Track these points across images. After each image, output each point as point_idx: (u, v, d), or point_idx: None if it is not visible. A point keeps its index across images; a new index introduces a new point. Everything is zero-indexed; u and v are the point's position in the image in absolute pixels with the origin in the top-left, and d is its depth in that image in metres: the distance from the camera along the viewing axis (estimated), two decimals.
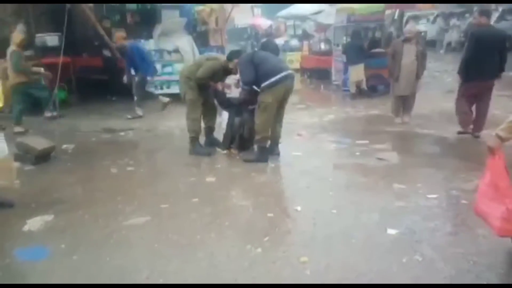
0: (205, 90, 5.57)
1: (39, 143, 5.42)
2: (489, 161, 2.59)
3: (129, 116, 7.75)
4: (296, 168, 4.94)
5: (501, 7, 15.79)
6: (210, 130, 5.89)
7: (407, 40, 6.87)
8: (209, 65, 5.43)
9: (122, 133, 7.00)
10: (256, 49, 6.67)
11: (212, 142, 5.86)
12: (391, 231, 3.20)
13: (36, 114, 7.55)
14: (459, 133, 6.12)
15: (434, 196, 3.86)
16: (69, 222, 3.61)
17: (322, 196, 4.03)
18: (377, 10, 9.95)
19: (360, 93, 9.79)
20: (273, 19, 25.75)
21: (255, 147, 5.25)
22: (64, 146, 6.11)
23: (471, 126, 6.01)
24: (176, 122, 7.29)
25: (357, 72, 9.48)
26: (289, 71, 5.11)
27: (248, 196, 4.10)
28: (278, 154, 5.34)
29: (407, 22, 15.08)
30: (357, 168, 4.87)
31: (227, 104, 5.74)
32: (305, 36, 17.06)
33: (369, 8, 9.57)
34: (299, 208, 3.69)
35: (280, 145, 5.45)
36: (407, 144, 6.09)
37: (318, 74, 13.58)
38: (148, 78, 7.88)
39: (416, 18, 19.05)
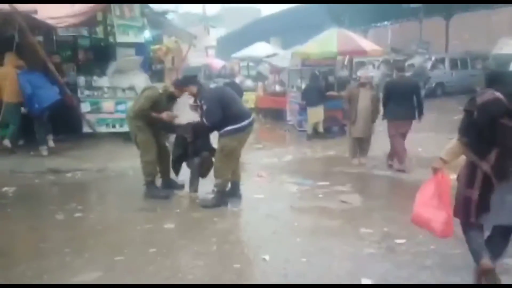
0: (156, 128, 5.28)
1: None
2: (434, 177, 3.05)
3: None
4: (260, 211, 4.75)
5: (434, 56, 17.16)
6: (165, 171, 5.55)
7: (362, 85, 7.10)
8: (146, 94, 5.16)
9: (69, 174, 6.48)
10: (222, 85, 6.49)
11: (169, 184, 5.55)
12: (365, 281, 3.05)
13: None
14: (398, 170, 6.50)
15: (402, 241, 3.80)
16: (8, 279, 3.15)
17: (290, 243, 3.85)
18: (330, 56, 10.32)
19: (316, 134, 9.92)
20: (227, 59, 26.24)
21: (214, 190, 4.94)
22: (4, 189, 5.55)
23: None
24: (129, 162, 6.87)
25: (316, 114, 9.64)
26: (253, 117, 5.11)
27: (211, 244, 3.82)
28: (240, 196, 5.13)
29: (357, 67, 15.93)
30: (321, 211, 4.76)
31: (178, 137, 5.44)
32: (260, 77, 17.39)
33: (322, 53, 9.90)
34: (267, 257, 3.47)
35: (242, 188, 5.25)
36: (367, 186, 6.12)
37: (273, 114, 13.77)
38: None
39: (363, 64, 20.12)
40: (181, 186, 5.53)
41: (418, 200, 3.12)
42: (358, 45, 9.80)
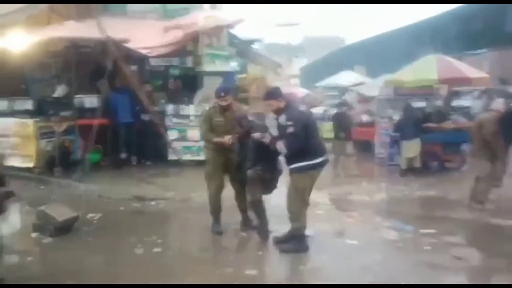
0: (229, 160, 4.75)
1: (61, 212, 4.86)
2: None
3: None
4: (355, 262, 4.09)
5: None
6: (241, 208, 4.97)
7: None
8: (203, 115, 4.87)
9: (153, 203, 6.38)
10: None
11: (245, 222, 5.01)
12: None
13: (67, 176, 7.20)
14: None
15: None
16: None
17: None
18: (428, 85, 9.39)
19: (411, 170, 8.95)
20: (311, 89, 25.93)
21: (292, 235, 4.35)
22: (90, 215, 5.53)
23: None
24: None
25: (412, 148, 8.69)
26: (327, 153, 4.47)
27: None
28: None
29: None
30: (432, 269, 3.96)
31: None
32: (345, 106, 16.68)
33: (420, 81, 9.02)
34: None
35: (331, 228, 4.66)
36: (483, 238, 5.11)
37: (360, 146, 12.96)
38: None
39: (458, 94, 18.55)
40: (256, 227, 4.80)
41: None
42: (462, 73, 8.78)
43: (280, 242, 4.41)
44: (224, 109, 4.73)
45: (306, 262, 4.12)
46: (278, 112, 4.23)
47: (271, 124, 4.50)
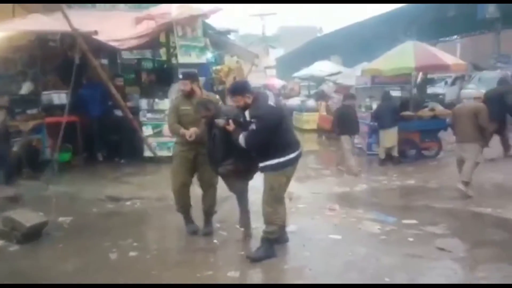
0: (199, 156, 4.39)
1: (29, 217, 4.57)
2: None
3: None
4: (339, 258, 3.98)
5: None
6: (204, 211, 4.71)
7: None
8: (170, 105, 4.68)
9: (128, 203, 6.12)
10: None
11: (205, 225, 4.75)
12: None
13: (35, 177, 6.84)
14: None
15: None
16: None
17: None
18: (405, 72, 9.37)
19: (390, 159, 8.94)
20: (287, 79, 25.82)
21: (264, 239, 3.99)
22: (60, 219, 5.24)
23: None
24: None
25: (390, 137, 8.67)
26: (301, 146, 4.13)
27: None
28: (287, 240, 4.29)
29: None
30: (418, 264, 3.88)
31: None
32: (322, 96, 16.62)
33: (397, 69, 8.97)
34: None
35: (313, 223, 4.53)
36: (465, 227, 5.08)
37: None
38: None
39: (432, 81, 18.78)
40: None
41: None
42: (439, 59, 8.77)
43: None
44: (189, 95, 4.39)
45: (289, 260, 3.98)
46: (245, 108, 3.90)
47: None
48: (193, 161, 4.45)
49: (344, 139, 8.19)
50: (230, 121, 3.88)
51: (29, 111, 7.26)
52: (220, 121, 3.93)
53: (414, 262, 3.93)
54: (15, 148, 7.15)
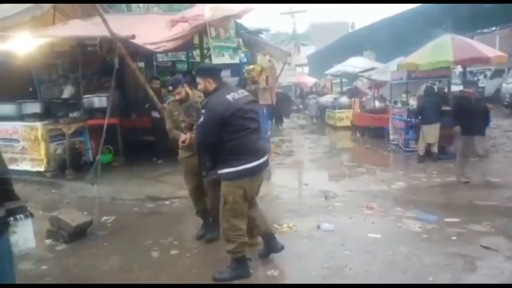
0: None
1: (74, 217, 4.76)
2: None
3: None
4: (380, 258, 3.92)
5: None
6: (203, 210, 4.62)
7: None
8: (166, 110, 4.56)
9: (167, 202, 6.27)
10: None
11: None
12: None
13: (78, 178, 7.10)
14: None
15: None
16: None
17: None
18: (444, 66, 9.08)
19: (429, 156, 8.71)
20: (319, 77, 25.58)
21: (230, 260, 3.63)
22: (104, 218, 5.44)
23: None
24: None
25: (433, 133, 8.45)
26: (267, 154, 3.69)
27: None
28: (282, 247, 3.90)
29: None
30: (463, 263, 3.77)
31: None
32: (356, 93, 16.36)
33: (435, 63, 8.69)
34: None
35: (351, 222, 4.44)
36: (511, 224, 4.90)
37: (372, 133, 12.73)
38: None
39: (471, 74, 18.12)
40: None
41: None
42: (480, 52, 8.44)
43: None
44: (181, 101, 4.33)
45: (328, 259, 3.95)
46: (206, 94, 3.64)
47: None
48: (199, 165, 4.34)
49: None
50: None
51: (71, 115, 7.53)
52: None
53: (458, 262, 3.82)
54: (59, 151, 7.47)
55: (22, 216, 2.95)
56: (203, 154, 3.88)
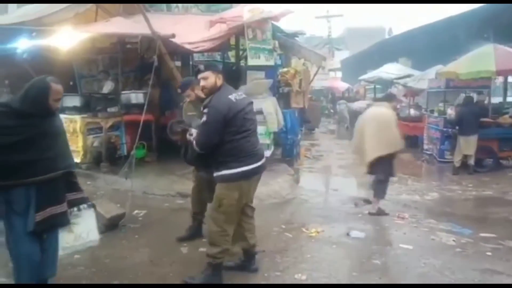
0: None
1: (109, 209, 4.90)
2: None
3: None
4: (412, 270, 3.83)
5: None
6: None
7: None
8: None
9: None
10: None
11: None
12: None
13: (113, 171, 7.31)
14: None
15: None
16: None
17: None
18: (484, 76, 8.79)
19: (464, 168, 8.45)
20: (352, 82, 25.25)
21: (207, 263, 3.48)
22: (135, 211, 5.57)
23: None
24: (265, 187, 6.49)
25: (471, 144, 8.21)
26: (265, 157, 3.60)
27: None
28: (256, 270, 3.76)
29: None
30: (498, 280, 3.65)
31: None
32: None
33: (476, 73, 8.43)
34: None
35: (382, 231, 4.39)
36: None
37: (405, 141, 12.43)
38: None
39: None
40: None
41: None
42: None
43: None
44: (194, 101, 4.31)
45: (358, 268, 3.90)
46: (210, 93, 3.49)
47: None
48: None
49: None
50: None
51: (109, 109, 7.75)
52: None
53: (493, 279, 3.69)
54: (95, 144, 7.70)
55: (85, 206, 3.07)
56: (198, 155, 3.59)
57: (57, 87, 2.94)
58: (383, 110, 5.67)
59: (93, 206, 3.23)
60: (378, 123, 5.55)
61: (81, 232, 3.14)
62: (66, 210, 2.99)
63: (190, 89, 4.30)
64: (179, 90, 4.49)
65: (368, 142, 5.57)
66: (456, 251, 4.34)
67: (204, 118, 3.30)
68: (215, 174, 3.39)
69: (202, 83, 3.47)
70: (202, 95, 3.72)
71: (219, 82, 3.45)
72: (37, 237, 2.88)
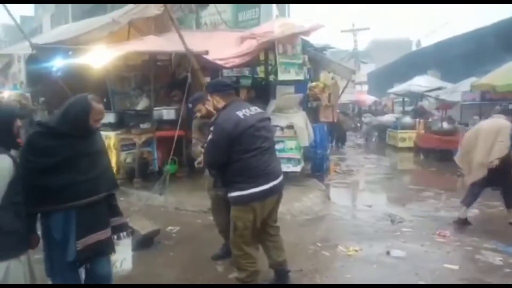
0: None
1: (143, 226, 4.91)
2: None
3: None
4: None
5: None
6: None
7: None
8: (193, 125, 4.50)
9: None
10: None
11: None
12: None
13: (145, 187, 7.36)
14: None
15: None
16: None
17: None
18: None
19: None
20: (380, 95, 24.93)
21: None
22: (169, 228, 5.56)
23: None
24: (286, 206, 6.42)
25: None
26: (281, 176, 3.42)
27: None
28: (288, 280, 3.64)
29: None
30: None
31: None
32: (421, 113, 15.70)
33: None
34: None
35: (423, 250, 4.22)
36: None
37: (437, 155, 12.10)
38: None
39: None
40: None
41: None
42: None
43: None
44: (204, 118, 4.26)
45: None
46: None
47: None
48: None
49: None
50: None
51: (142, 125, 7.86)
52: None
53: None
54: (128, 160, 7.80)
55: (125, 234, 2.90)
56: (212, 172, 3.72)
57: (98, 106, 2.73)
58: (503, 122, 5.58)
59: (132, 233, 3.06)
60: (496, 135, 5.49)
61: (116, 260, 3.01)
62: (110, 236, 2.81)
63: (201, 104, 4.26)
64: (189, 105, 4.48)
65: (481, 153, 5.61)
66: (505, 271, 4.11)
67: (210, 136, 3.24)
68: (228, 196, 3.30)
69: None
70: (213, 110, 3.76)
71: (218, 103, 3.40)
72: (79, 267, 2.72)
